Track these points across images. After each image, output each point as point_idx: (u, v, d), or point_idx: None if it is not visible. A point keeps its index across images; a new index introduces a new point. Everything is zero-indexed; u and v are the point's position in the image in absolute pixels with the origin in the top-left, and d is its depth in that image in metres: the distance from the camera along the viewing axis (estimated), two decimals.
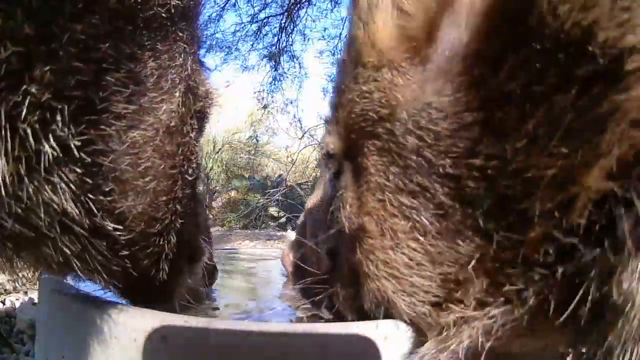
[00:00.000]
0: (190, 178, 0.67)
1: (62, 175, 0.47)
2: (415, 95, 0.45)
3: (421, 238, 0.46)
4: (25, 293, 2.20)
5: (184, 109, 0.62)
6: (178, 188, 0.64)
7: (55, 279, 0.78)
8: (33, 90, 0.43)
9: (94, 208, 0.51)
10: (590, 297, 0.36)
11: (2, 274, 0.59)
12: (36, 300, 1.90)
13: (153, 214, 0.61)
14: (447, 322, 0.47)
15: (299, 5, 6.47)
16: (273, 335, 0.65)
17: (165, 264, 0.68)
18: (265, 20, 6.84)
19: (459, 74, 0.41)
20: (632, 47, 0.30)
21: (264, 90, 7.39)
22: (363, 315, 0.58)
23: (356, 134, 0.52)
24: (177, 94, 0.60)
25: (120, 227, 0.55)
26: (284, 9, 6.59)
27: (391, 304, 0.51)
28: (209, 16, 6.17)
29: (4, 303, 2.07)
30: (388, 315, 0.53)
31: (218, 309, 0.99)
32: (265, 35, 6.96)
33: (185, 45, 0.62)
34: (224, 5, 6.44)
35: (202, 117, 0.70)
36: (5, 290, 2.21)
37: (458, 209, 0.43)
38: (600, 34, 0.31)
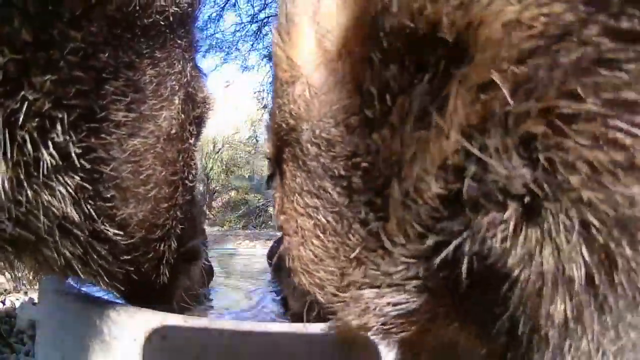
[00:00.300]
0: (190, 184, 0.68)
1: (62, 181, 0.47)
2: (317, 107, 0.49)
3: (321, 235, 0.51)
4: (25, 293, 2.20)
5: (183, 116, 0.63)
6: (179, 194, 0.65)
7: (55, 279, 0.78)
8: (31, 97, 0.43)
9: (94, 214, 0.52)
10: (465, 265, 0.35)
11: (2, 274, 0.60)
12: (36, 300, 1.91)
13: (154, 221, 0.62)
14: (336, 308, 0.51)
15: None
16: (273, 335, 0.66)
17: (166, 268, 0.69)
18: (265, 20, 6.84)
19: (348, 82, 0.44)
20: (469, 23, 0.33)
21: (264, 90, 7.41)
22: (304, 305, 0.62)
23: (280, 141, 0.57)
24: (177, 101, 0.61)
25: (121, 232, 0.56)
26: None
27: (313, 295, 0.55)
28: (209, 16, 6.17)
29: (4, 303, 2.08)
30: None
31: (213, 307, 1.00)
32: (266, 35, 6.95)
33: (183, 52, 0.62)
34: (224, 5, 6.45)
35: (200, 122, 0.71)
36: (5, 290, 2.21)
37: (348, 206, 0.47)
38: (445, 19, 0.34)
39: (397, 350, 0.54)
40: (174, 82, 0.60)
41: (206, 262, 0.94)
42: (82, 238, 0.53)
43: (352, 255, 0.46)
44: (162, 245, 0.66)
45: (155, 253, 0.65)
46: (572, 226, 0.30)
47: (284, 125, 0.54)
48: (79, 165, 0.48)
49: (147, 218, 0.60)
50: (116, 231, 0.55)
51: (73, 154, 0.47)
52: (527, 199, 0.31)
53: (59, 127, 0.46)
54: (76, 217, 0.50)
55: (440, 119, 0.35)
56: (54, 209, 0.48)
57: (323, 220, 0.49)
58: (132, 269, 0.62)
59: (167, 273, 0.69)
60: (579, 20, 0.29)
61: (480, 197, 0.33)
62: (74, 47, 0.45)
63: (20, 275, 0.59)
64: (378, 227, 0.43)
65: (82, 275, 0.60)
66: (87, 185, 0.50)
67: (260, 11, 6.82)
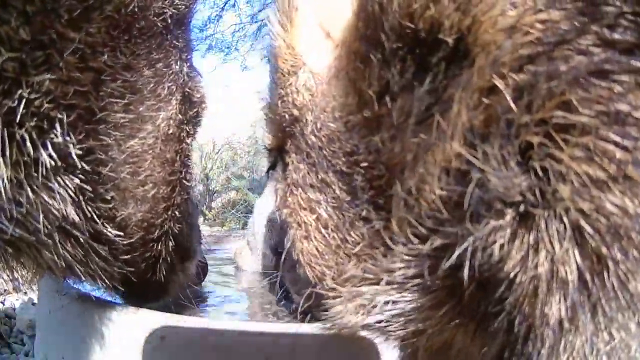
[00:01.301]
0: (187, 183, 0.68)
1: (61, 182, 0.47)
2: (320, 98, 0.48)
3: (323, 230, 0.50)
4: (25, 293, 2.20)
5: (180, 116, 0.63)
6: (176, 194, 0.65)
7: (54, 279, 0.79)
8: (30, 97, 0.43)
9: (94, 215, 0.52)
10: (467, 268, 0.34)
11: (1, 276, 0.60)
12: (36, 300, 1.91)
13: (153, 221, 0.62)
14: (334, 304, 0.50)
15: None
16: (272, 335, 0.66)
17: (163, 266, 0.69)
18: (265, 20, 6.82)
19: (346, 79, 0.43)
20: (470, 26, 0.33)
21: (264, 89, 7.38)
22: (307, 297, 0.61)
23: (281, 133, 0.56)
24: (174, 102, 0.61)
25: (121, 233, 0.56)
26: None
27: (314, 287, 0.54)
28: (208, 16, 6.17)
29: (3, 303, 2.08)
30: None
31: (211, 307, 1.00)
32: (266, 35, 6.93)
33: (180, 52, 0.63)
34: (224, 6, 6.44)
35: (196, 122, 0.71)
36: (5, 290, 2.21)
37: (350, 202, 0.46)
38: (445, 22, 0.34)
39: (395, 349, 0.54)
40: (171, 83, 0.60)
41: (202, 261, 0.94)
42: (82, 240, 0.53)
43: (353, 252, 0.46)
44: (160, 244, 0.66)
45: (153, 252, 0.66)
46: (565, 232, 0.30)
47: (287, 116, 0.52)
48: (79, 167, 0.48)
49: (145, 218, 0.60)
50: (116, 232, 0.55)
51: (73, 155, 0.47)
52: (522, 207, 0.31)
53: (58, 127, 0.46)
54: (76, 219, 0.50)
55: (444, 122, 0.34)
56: (54, 210, 0.48)
57: (325, 215, 0.49)
58: (131, 268, 0.62)
59: (164, 271, 0.69)
60: (575, 29, 0.29)
61: (481, 205, 0.33)
62: (72, 48, 0.45)
63: (18, 276, 0.59)
64: (380, 225, 0.43)
65: (82, 277, 0.60)
66: (87, 187, 0.50)
67: (260, 11, 6.81)
